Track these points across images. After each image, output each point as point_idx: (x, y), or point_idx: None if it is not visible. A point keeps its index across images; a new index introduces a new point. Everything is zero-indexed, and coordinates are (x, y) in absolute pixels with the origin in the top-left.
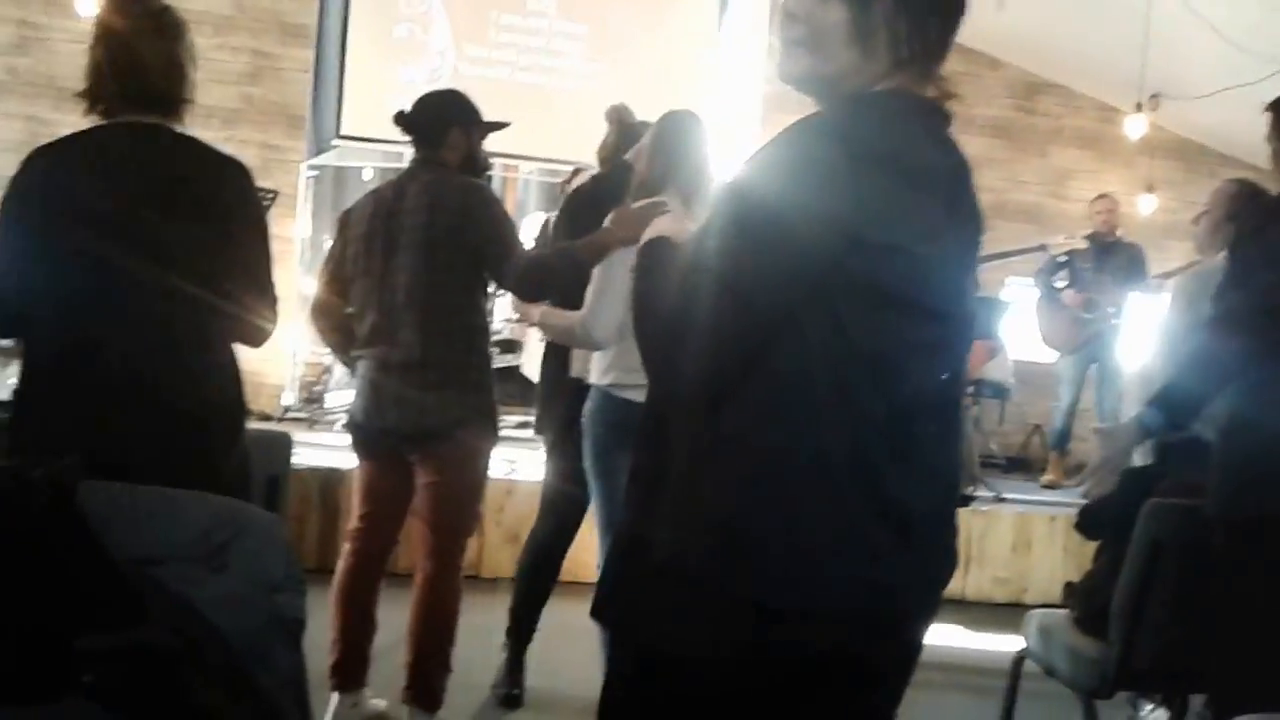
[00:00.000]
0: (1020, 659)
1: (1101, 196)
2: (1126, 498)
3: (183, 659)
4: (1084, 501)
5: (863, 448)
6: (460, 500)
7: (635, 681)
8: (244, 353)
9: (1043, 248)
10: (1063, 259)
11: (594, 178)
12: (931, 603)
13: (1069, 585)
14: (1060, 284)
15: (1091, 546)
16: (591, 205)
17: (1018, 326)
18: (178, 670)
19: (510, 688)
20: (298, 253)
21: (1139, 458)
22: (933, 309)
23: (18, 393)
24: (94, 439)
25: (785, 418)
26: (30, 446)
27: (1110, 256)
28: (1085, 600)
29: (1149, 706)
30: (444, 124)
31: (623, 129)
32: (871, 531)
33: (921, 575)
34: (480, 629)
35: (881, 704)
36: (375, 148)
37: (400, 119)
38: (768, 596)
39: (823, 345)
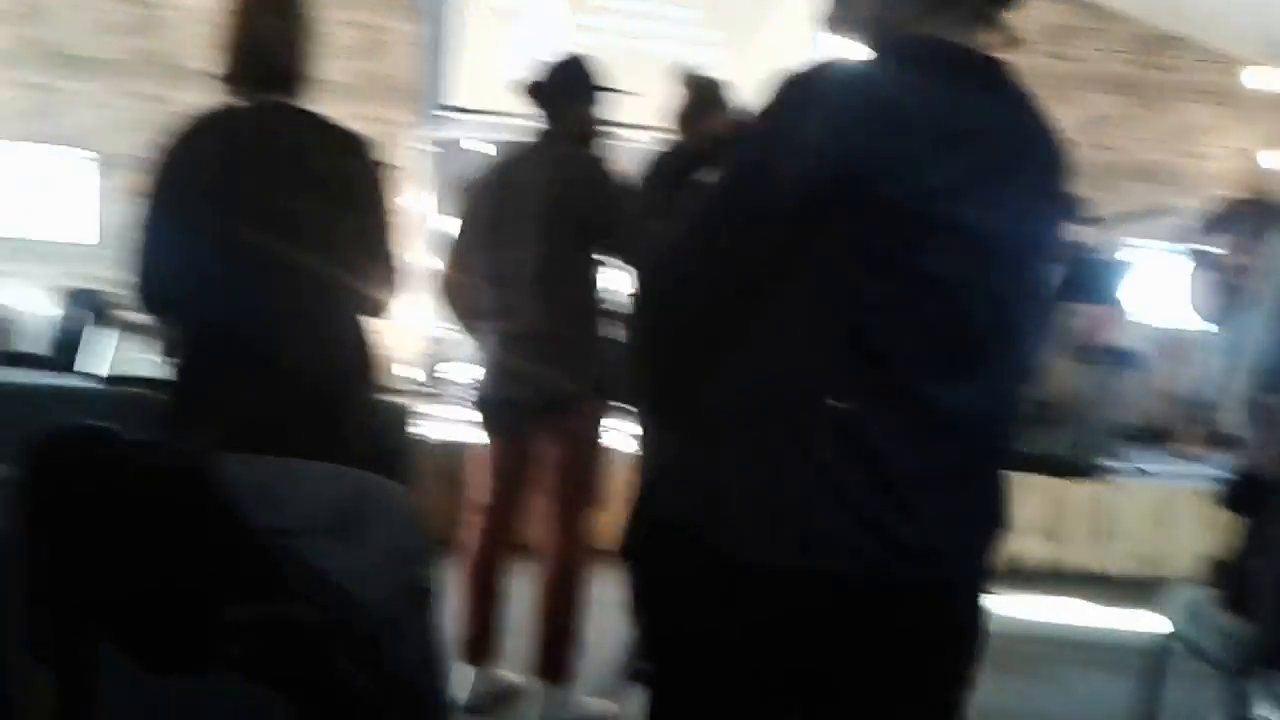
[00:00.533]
0: (1168, 639)
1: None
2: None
3: (324, 631)
4: (1224, 473)
5: (851, 404)
6: (586, 472)
7: (648, 637)
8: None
9: (1169, 210)
10: (1218, 220)
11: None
12: (938, 575)
13: (1216, 561)
14: (1215, 249)
15: (1232, 521)
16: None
17: (1146, 290)
18: (319, 643)
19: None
20: (416, 228)
21: None
22: (930, 269)
23: (175, 371)
24: (231, 414)
25: (769, 371)
26: (181, 423)
27: (1268, 218)
28: (1233, 578)
29: None
30: (572, 96)
31: (700, 93)
32: (854, 493)
33: (921, 544)
34: (609, 602)
35: (894, 680)
36: (488, 119)
37: (530, 89)
38: (743, 552)
39: (810, 295)
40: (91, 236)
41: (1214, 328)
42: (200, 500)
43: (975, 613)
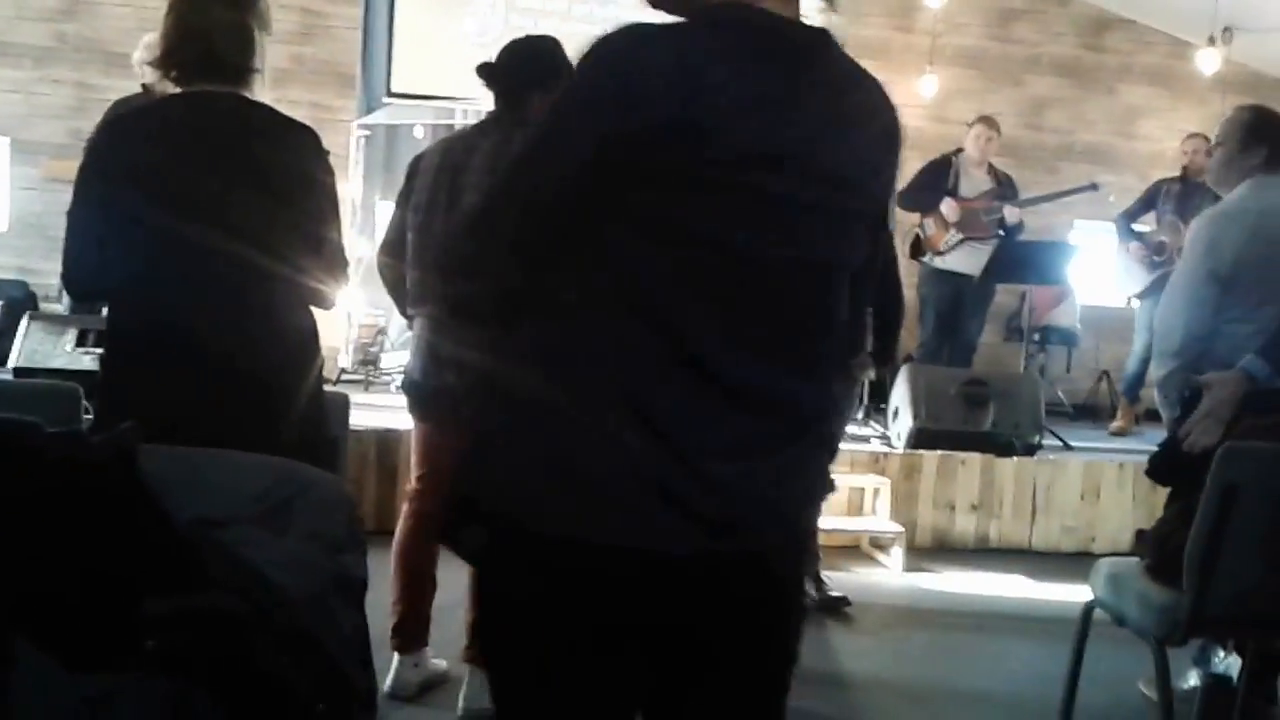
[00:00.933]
0: (1090, 607)
1: (1191, 136)
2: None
3: (248, 622)
4: (1154, 448)
5: (641, 376)
6: None
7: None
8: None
9: (1094, 187)
10: (1146, 200)
11: None
12: (741, 546)
13: (1140, 532)
14: (1143, 227)
15: (1162, 495)
16: None
17: (1085, 271)
18: (243, 634)
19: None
20: (350, 214)
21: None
22: (723, 238)
23: (103, 361)
24: (158, 405)
25: (565, 343)
26: (112, 414)
27: (1194, 198)
28: (1157, 547)
29: (1221, 654)
30: (527, 84)
31: None
32: (648, 465)
33: (720, 516)
34: None
35: (713, 645)
36: (426, 105)
37: (483, 71)
38: (544, 526)
39: (604, 263)
40: (0, 224)
41: (1139, 304)
42: (119, 491)
43: (786, 584)
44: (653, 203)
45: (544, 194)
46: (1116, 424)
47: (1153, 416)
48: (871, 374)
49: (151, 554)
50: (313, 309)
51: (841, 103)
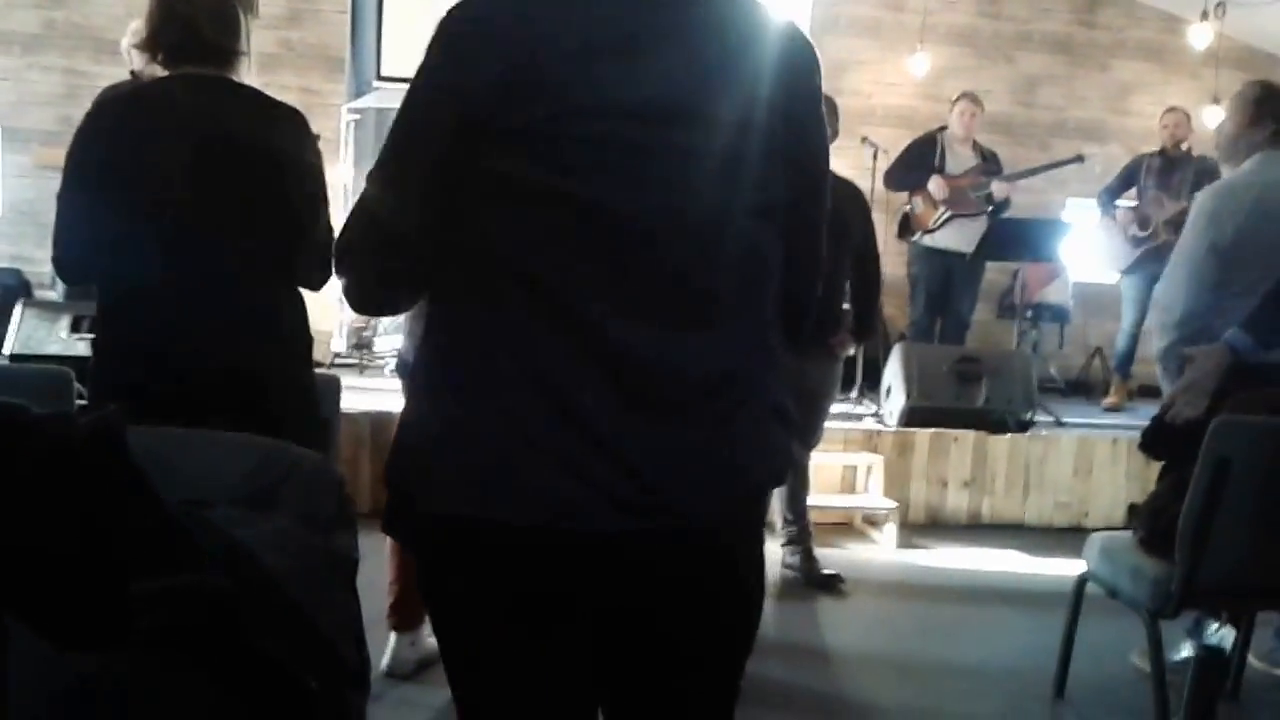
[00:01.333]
0: (1083, 580)
1: (1170, 110)
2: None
3: (237, 602)
4: (1147, 423)
5: (528, 348)
6: None
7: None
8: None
9: (1080, 159)
10: (1127, 175)
11: None
12: (656, 524)
13: (1133, 506)
14: (1126, 202)
15: (1154, 470)
16: None
17: (1077, 248)
18: (232, 613)
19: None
20: (340, 198)
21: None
22: (591, 197)
23: (93, 344)
24: (154, 388)
25: (460, 323)
26: (102, 397)
27: (1176, 172)
28: (1150, 520)
29: (1214, 625)
30: None
31: None
32: (551, 443)
33: (629, 493)
34: None
35: (641, 637)
36: None
37: None
38: (439, 506)
39: (481, 238)
40: None
41: (1125, 280)
42: (107, 472)
43: (725, 564)
44: (507, 167)
45: (405, 221)
46: (1110, 399)
47: (1147, 392)
48: (852, 350)
49: (140, 534)
50: (302, 291)
51: (710, 42)
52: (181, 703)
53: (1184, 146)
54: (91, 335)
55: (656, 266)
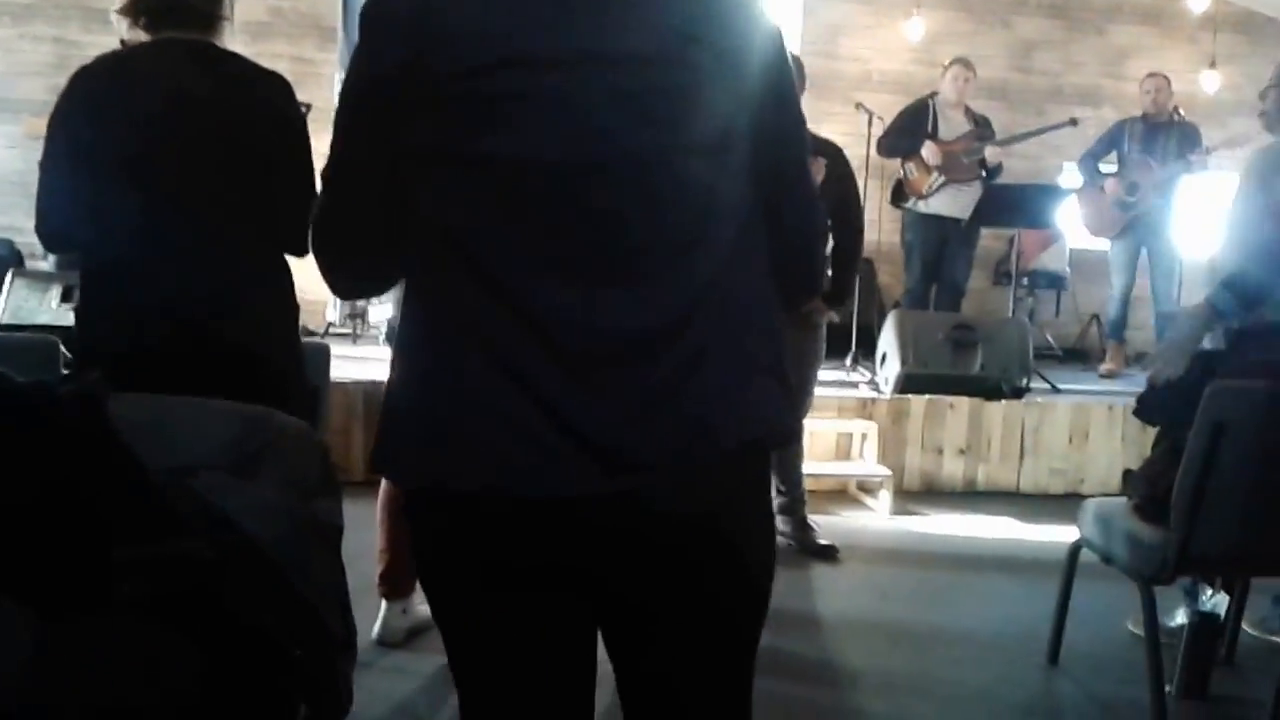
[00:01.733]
0: (1077, 547)
1: (1150, 75)
2: (1189, 382)
3: (219, 569)
4: (1143, 389)
5: (479, 315)
6: None
7: None
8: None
9: (1074, 122)
10: (1109, 139)
11: None
12: (615, 487)
13: (1128, 472)
14: (1108, 168)
15: (1150, 437)
16: None
17: (1074, 214)
18: (215, 580)
19: None
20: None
21: (1210, 343)
22: (506, 154)
23: (77, 312)
24: (137, 355)
25: (413, 293)
26: (87, 364)
27: (1160, 137)
28: (1145, 486)
29: (1209, 592)
30: None
31: None
32: (501, 407)
33: (582, 455)
34: None
35: (625, 605)
36: None
37: None
38: (401, 478)
39: (418, 205)
40: None
41: (1112, 245)
42: (89, 438)
43: (706, 531)
44: (429, 138)
45: (355, 221)
46: (1106, 366)
47: (1144, 358)
48: (834, 317)
49: (122, 500)
50: (289, 259)
51: None
52: (164, 670)
53: (1170, 111)
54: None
55: (581, 220)
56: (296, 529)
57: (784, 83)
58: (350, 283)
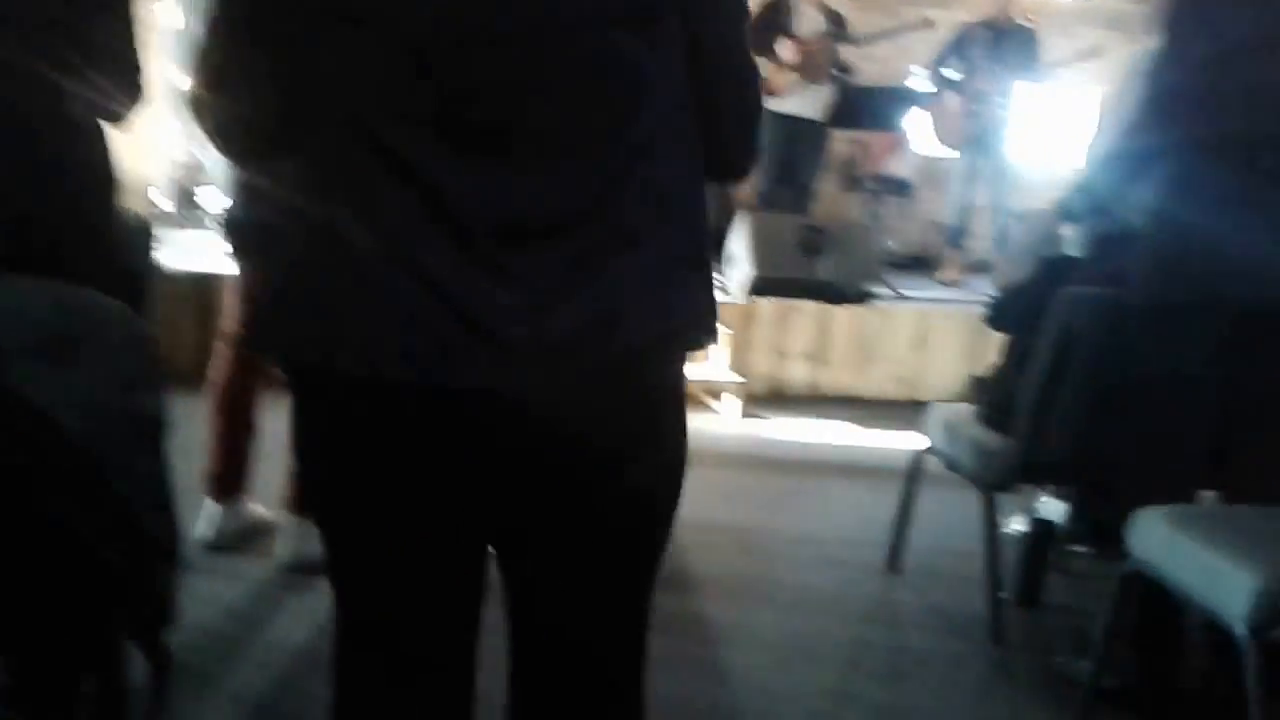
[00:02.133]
0: (922, 453)
1: None
2: (1039, 288)
3: (28, 467)
4: (989, 296)
5: (371, 194)
6: None
7: None
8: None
9: (929, 23)
10: (955, 46)
11: None
12: (512, 382)
13: (974, 379)
14: (953, 75)
15: (990, 346)
16: None
17: (921, 119)
18: (23, 479)
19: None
20: (166, 40)
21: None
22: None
23: None
24: None
25: (300, 170)
26: None
27: (1004, 43)
28: (990, 393)
29: (1044, 499)
30: None
31: None
32: (387, 293)
33: (473, 347)
34: None
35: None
36: None
37: None
38: (283, 357)
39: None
40: None
41: (958, 155)
42: None
43: (610, 434)
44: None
45: (248, 81)
46: (946, 274)
47: (983, 268)
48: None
49: None
50: (111, 129)
51: None
52: None
53: (1015, 16)
54: None
55: (489, 93)
56: (114, 424)
57: None
58: (236, 152)
